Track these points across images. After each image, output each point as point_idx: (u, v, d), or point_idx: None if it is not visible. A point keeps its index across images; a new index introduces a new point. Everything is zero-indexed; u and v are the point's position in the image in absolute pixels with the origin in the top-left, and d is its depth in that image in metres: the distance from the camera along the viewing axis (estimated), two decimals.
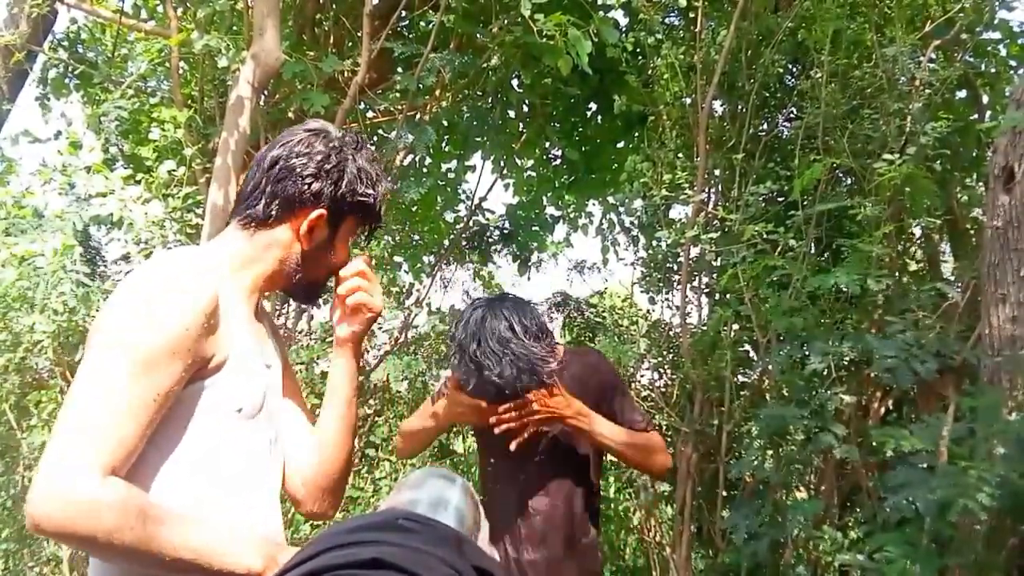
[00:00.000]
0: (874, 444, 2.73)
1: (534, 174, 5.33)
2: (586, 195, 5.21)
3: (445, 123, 4.45)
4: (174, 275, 1.08)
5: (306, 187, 1.19)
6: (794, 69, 3.71)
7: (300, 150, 1.20)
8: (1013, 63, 3.73)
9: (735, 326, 3.17)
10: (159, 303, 1.03)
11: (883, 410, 3.47)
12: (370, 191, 1.24)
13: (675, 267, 3.80)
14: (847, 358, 2.60)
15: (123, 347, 1.00)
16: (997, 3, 3.33)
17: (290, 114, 3.83)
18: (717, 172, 3.63)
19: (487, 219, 5.19)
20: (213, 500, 1.09)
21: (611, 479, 4.40)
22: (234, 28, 4.07)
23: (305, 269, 1.24)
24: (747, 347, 3.46)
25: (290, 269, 1.23)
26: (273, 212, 1.19)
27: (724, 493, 3.27)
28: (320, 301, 3.94)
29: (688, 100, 3.44)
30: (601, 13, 3.64)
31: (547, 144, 5.11)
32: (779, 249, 2.84)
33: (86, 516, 0.91)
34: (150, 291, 1.05)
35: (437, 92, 4.23)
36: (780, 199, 3.28)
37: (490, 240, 5.16)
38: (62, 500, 0.90)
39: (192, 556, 0.99)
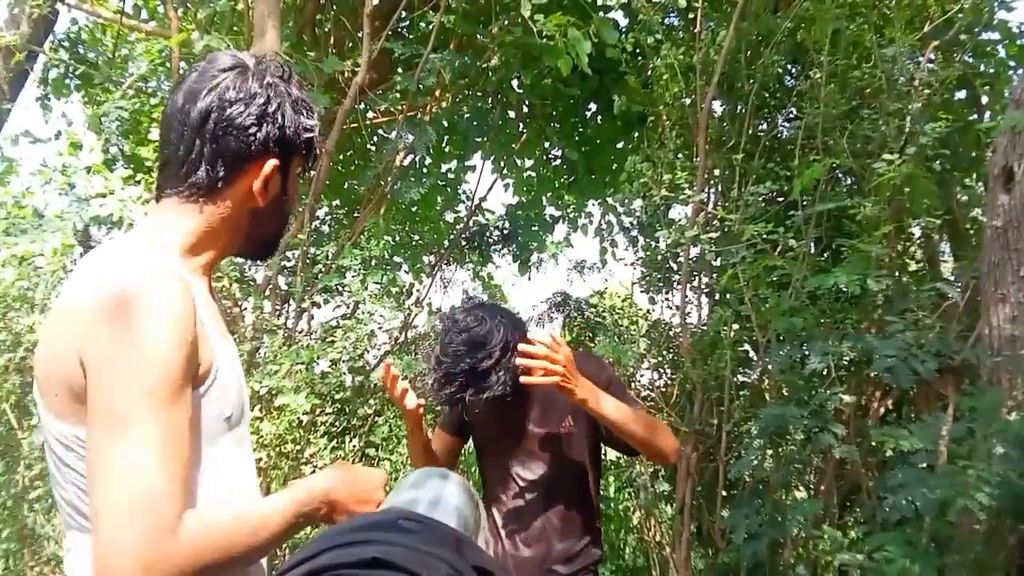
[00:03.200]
0: (874, 444, 2.74)
1: (534, 174, 5.34)
2: (586, 195, 5.21)
3: (445, 123, 4.46)
4: (146, 281, 0.92)
5: (252, 138, 1.04)
6: (793, 70, 3.72)
7: (233, 96, 1.04)
8: (1012, 63, 3.73)
9: (735, 326, 3.17)
10: (148, 321, 0.90)
11: (883, 410, 3.47)
12: (313, 122, 1.12)
13: (675, 267, 3.80)
14: (847, 358, 2.60)
15: (134, 385, 0.88)
16: (996, 4, 3.34)
17: None
18: (717, 172, 3.64)
19: (487, 219, 5.20)
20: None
21: (611, 479, 4.41)
22: (235, 28, 4.08)
23: (262, 226, 1.12)
24: (747, 347, 3.46)
25: (246, 232, 1.10)
26: (220, 175, 1.04)
27: (724, 493, 3.28)
28: (320, 300, 3.97)
29: (688, 100, 3.44)
30: (601, 14, 3.64)
31: (547, 144, 5.11)
32: (779, 249, 2.84)
33: (192, 566, 0.87)
34: (130, 308, 0.90)
35: (437, 92, 4.24)
36: (780, 199, 3.28)
37: (490, 240, 5.17)
38: (161, 571, 0.85)
39: (280, 527, 0.97)
